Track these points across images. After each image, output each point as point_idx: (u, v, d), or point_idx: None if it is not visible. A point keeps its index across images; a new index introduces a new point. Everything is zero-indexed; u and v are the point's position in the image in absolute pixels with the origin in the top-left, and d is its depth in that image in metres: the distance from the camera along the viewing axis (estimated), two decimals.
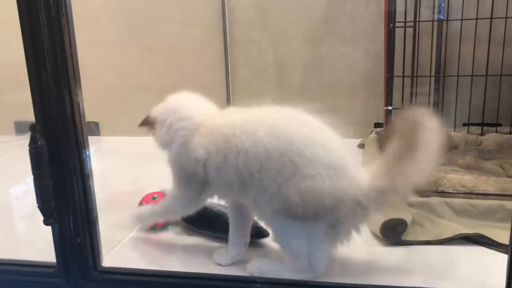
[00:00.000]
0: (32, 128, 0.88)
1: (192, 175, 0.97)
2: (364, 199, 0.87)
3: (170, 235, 1.21)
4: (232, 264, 1.01)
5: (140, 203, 1.24)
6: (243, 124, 0.92)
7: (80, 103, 0.91)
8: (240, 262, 1.02)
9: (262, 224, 1.07)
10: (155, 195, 1.25)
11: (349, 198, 0.86)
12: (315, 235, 0.90)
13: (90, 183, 0.95)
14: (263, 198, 0.90)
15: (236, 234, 1.04)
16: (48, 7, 0.84)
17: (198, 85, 2.47)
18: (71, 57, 0.88)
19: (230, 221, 1.05)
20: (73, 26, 0.88)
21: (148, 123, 1.04)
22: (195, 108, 1.03)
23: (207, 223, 1.16)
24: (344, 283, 0.93)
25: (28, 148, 0.88)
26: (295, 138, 0.87)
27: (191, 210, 1.07)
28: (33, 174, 0.90)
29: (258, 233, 1.10)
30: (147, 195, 1.26)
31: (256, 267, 0.98)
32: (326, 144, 0.89)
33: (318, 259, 0.92)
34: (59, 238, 0.95)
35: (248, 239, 1.05)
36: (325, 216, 0.88)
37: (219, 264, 1.02)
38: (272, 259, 1.02)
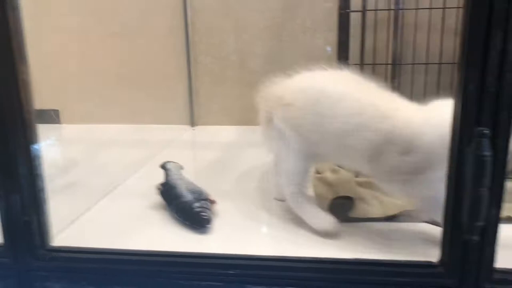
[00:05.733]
0: None
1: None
2: None
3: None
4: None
5: None
6: None
7: (26, 80, 0.90)
8: None
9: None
10: None
11: None
12: None
13: (38, 161, 0.94)
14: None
15: None
16: None
17: (159, 72, 2.44)
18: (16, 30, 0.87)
19: None
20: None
21: None
22: None
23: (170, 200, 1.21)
24: (292, 257, 0.94)
25: None
26: None
27: None
28: None
29: (199, 222, 1.13)
30: None
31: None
32: None
33: None
34: (6, 217, 0.94)
35: None
36: None
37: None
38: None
